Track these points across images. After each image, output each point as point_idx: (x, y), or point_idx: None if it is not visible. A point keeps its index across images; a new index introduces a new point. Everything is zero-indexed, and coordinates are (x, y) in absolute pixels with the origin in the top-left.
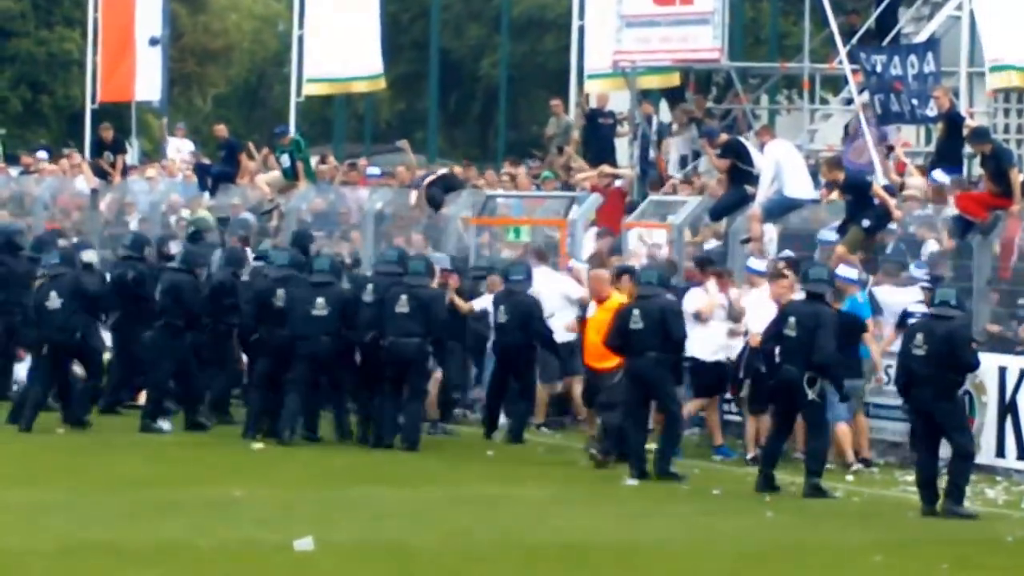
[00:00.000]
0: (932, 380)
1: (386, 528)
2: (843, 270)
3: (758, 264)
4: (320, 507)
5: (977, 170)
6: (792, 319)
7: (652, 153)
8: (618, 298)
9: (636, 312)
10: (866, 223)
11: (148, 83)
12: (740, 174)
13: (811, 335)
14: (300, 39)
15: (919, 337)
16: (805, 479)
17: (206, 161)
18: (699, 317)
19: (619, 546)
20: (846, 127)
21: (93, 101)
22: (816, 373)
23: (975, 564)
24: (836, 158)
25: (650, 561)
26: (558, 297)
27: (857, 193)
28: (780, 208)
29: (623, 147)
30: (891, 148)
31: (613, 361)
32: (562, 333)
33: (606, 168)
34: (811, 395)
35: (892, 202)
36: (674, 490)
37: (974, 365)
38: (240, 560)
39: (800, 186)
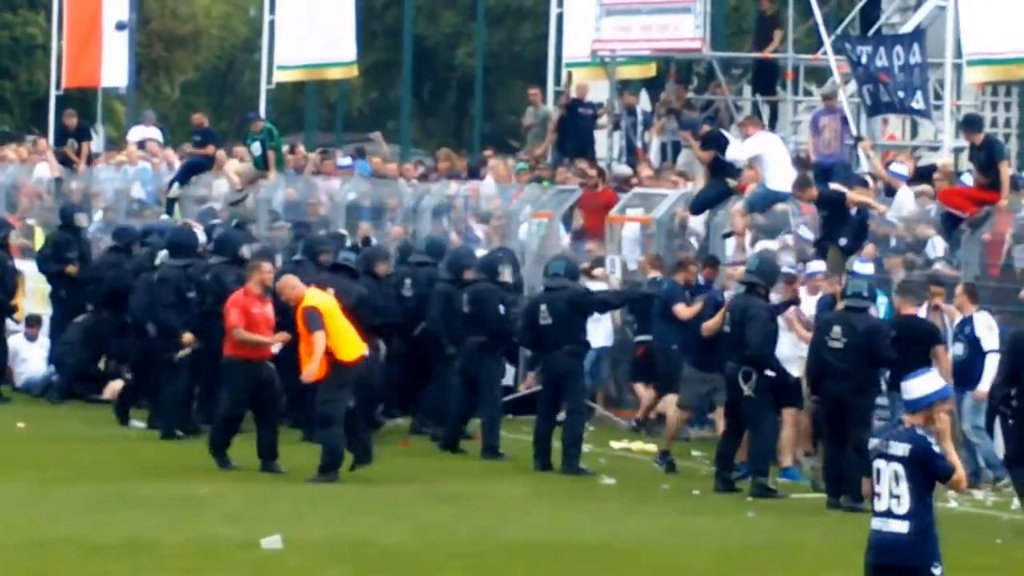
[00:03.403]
0: (850, 374)
1: (357, 524)
2: (859, 267)
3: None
4: (290, 503)
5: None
6: (728, 314)
7: (638, 144)
8: None
9: (543, 307)
10: (843, 242)
11: (115, 69)
12: (721, 167)
13: (742, 329)
14: (271, 24)
15: (836, 330)
16: (751, 479)
17: (201, 152)
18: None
19: (596, 544)
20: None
21: (58, 87)
22: (749, 368)
23: (963, 565)
24: (803, 177)
25: (628, 559)
26: None
27: (832, 208)
28: (763, 201)
29: (602, 139)
30: (858, 139)
31: None
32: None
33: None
34: (746, 391)
35: (871, 201)
36: (653, 490)
37: (893, 360)
38: (207, 556)
39: (783, 179)
